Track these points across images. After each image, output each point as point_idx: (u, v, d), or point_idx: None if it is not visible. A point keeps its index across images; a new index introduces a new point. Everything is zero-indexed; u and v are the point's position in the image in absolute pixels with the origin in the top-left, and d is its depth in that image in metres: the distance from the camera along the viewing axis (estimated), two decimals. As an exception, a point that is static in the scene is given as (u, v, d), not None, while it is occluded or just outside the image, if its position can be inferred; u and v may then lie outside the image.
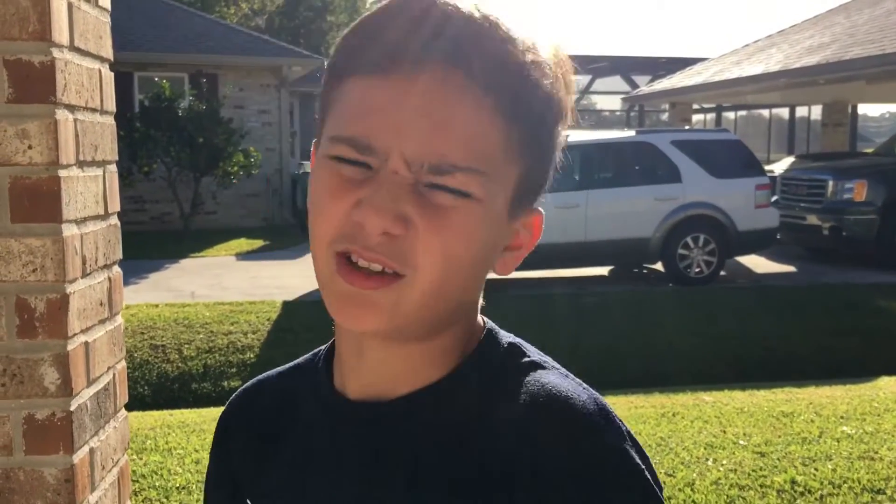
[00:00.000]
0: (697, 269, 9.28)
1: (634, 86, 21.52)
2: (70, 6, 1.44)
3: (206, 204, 14.41)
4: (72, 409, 1.41)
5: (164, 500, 3.35)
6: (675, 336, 7.04)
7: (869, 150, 16.05)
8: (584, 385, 0.68)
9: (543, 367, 0.70)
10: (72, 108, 1.44)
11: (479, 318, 0.73)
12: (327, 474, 0.71)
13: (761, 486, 3.39)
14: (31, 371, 1.39)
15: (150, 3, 16.80)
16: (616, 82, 22.45)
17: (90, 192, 1.52)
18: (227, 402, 0.85)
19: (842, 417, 4.33)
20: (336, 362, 0.74)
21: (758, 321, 7.43)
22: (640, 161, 9.45)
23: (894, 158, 11.41)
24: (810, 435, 4.01)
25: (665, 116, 21.08)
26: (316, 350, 0.80)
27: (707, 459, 3.67)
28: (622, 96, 20.54)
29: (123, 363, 1.72)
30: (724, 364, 6.52)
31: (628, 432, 0.66)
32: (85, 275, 1.49)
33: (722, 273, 9.56)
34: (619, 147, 9.61)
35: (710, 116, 23.64)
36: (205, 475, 0.87)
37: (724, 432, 4.08)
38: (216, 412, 4.89)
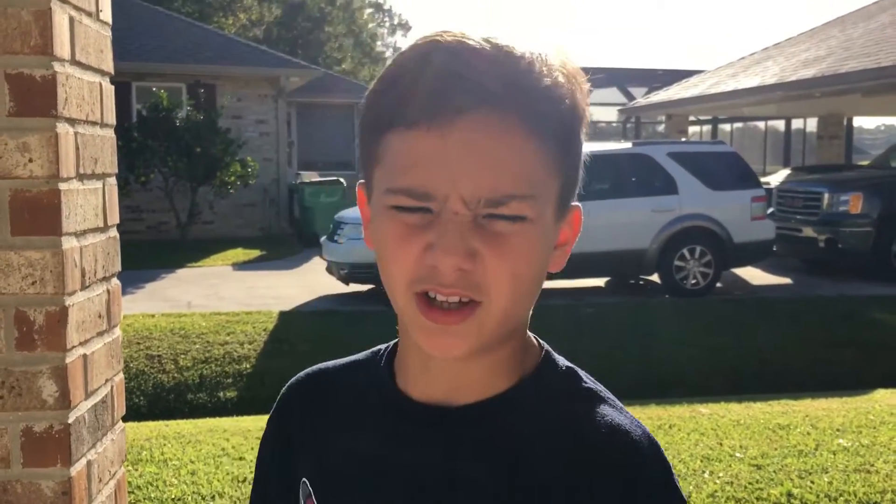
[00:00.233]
0: (694, 281, 9.29)
1: (631, 97, 21.59)
2: (72, 20, 1.45)
3: (203, 214, 14.41)
4: (70, 421, 1.42)
5: (160, 512, 3.34)
6: (672, 348, 7.05)
7: (864, 163, 16.12)
8: (636, 420, 0.76)
9: (600, 396, 0.77)
10: (72, 121, 1.45)
11: (530, 335, 0.80)
12: (385, 466, 0.77)
13: (758, 498, 3.39)
14: (30, 383, 1.40)
15: (148, 12, 16.85)
16: (613, 94, 22.51)
17: (90, 205, 1.53)
18: (287, 386, 0.89)
19: (838, 430, 4.33)
20: (399, 365, 0.81)
21: (754, 333, 7.44)
22: (637, 173, 9.47)
23: (890, 171, 11.46)
24: (806, 448, 4.01)
25: (661, 128, 21.15)
26: (375, 349, 0.86)
27: (703, 472, 3.67)
28: (619, 108, 20.61)
29: (121, 375, 1.72)
30: (720, 376, 6.52)
31: (671, 467, 0.75)
32: (84, 287, 1.49)
33: (718, 285, 9.58)
34: (616, 159, 9.63)
35: (707, 128, 23.71)
36: (249, 465, 0.93)
37: (721, 445, 4.08)
38: (212, 423, 4.88)
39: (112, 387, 1.65)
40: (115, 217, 1.68)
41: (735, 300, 9.27)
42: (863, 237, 10.01)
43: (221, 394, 6.13)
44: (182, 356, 6.52)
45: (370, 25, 41.86)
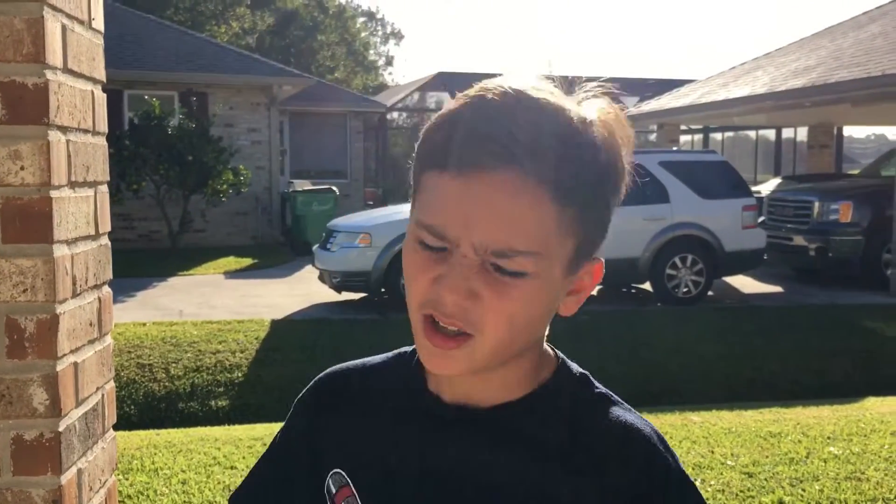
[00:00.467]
0: (685, 289, 9.32)
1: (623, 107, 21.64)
2: (64, 28, 1.45)
3: (195, 222, 14.38)
4: (60, 429, 1.41)
5: (151, 521, 3.32)
6: (663, 356, 7.06)
7: (854, 172, 16.21)
8: (644, 419, 0.86)
9: (612, 400, 0.87)
10: (64, 129, 1.45)
11: (547, 346, 0.88)
12: (421, 460, 0.85)
13: (749, 506, 3.39)
14: (20, 391, 1.39)
15: (141, 21, 16.84)
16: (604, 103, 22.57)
17: (81, 213, 1.53)
18: (316, 380, 0.97)
19: (829, 438, 4.34)
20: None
21: (745, 341, 7.46)
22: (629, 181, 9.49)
23: (879, 180, 11.52)
24: (798, 455, 4.02)
25: (653, 137, 21.24)
26: (399, 351, 0.94)
27: (695, 480, 3.67)
28: (610, 117, 20.62)
29: (112, 383, 1.72)
30: (711, 384, 6.54)
31: (678, 457, 0.85)
32: (75, 295, 1.49)
33: (710, 293, 9.61)
34: (608, 167, 9.65)
35: (698, 137, 23.81)
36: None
37: (713, 452, 4.09)
38: (203, 432, 4.86)
39: (103, 395, 1.65)
40: (106, 225, 1.67)
41: (726, 308, 9.30)
42: (853, 246, 10.06)
43: (213, 402, 6.11)
44: (173, 365, 6.50)
45: (363, 34, 41.91)
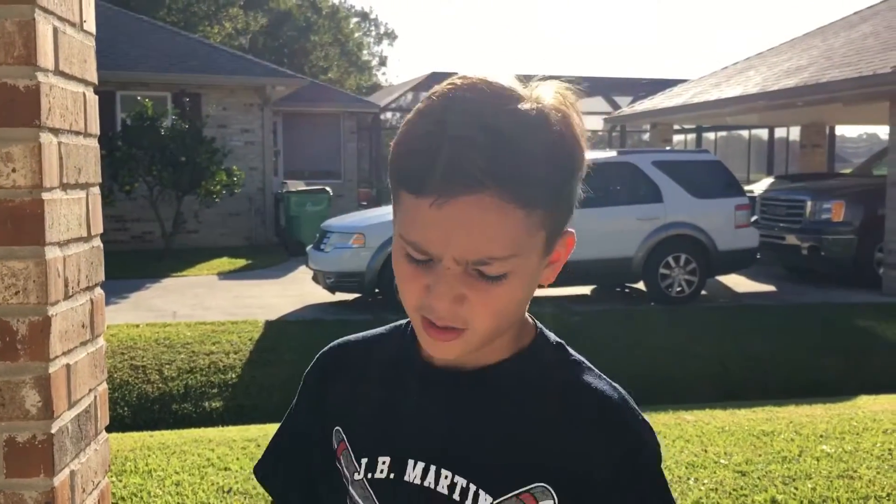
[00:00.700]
0: (679, 289, 9.34)
1: (616, 106, 21.71)
2: (55, 31, 1.45)
3: (189, 223, 14.35)
4: (52, 431, 1.41)
5: (144, 523, 3.32)
6: (657, 355, 7.08)
7: (847, 171, 16.26)
8: (615, 384, 0.95)
9: (585, 366, 0.96)
10: (56, 131, 1.45)
11: (527, 315, 0.97)
12: (414, 416, 0.95)
13: (742, 505, 3.41)
14: (13, 393, 1.39)
15: (133, 21, 16.80)
16: (598, 103, 22.62)
17: (73, 215, 1.53)
18: (322, 354, 1.07)
19: (821, 436, 4.36)
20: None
21: (738, 340, 7.48)
22: (622, 181, 9.52)
23: (872, 179, 11.57)
24: (790, 454, 4.04)
25: (646, 137, 21.27)
26: (395, 324, 1.04)
27: (688, 479, 3.69)
28: (604, 117, 20.70)
29: (105, 385, 1.72)
30: (705, 383, 6.56)
31: (647, 420, 0.93)
32: (67, 297, 1.49)
33: (703, 292, 9.63)
34: (601, 167, 9.67)
35: (691, 137, 23.86)
36: (287, 410, 1.08)
37: (706, 451, 4.10)
38: (197, 433, 4.86)
39: (95, 397, 1.65)
40: (98, 227, 1.67)
41: (720, 307, 9.32)
42: (845, 244, 10.10)
43: (207, 404, 6.10)
44: (167, 366, 6.48)
45: (356, 35, 41.88)
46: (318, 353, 1.08)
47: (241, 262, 12.81)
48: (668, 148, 15.30)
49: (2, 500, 1.40)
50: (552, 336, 0.99)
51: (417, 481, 0.93)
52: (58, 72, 1.46)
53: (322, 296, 9.28)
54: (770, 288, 10.54)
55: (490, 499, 0.90)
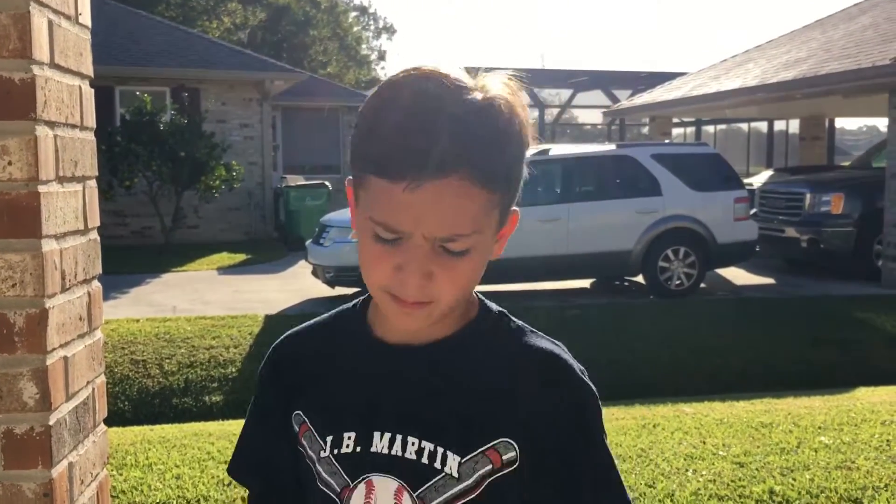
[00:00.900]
0: (678, 282, 9.35)
1: (615, 100, 21.69)
2: (50, 24, 1.46)
3: (188, 218, 14.35)
4: (50, 423, 1.42)
5: (144, 516, 3.33)
6: (656, 348, 7.09)
7: (846, 164, 16.26)
8: (557, 342, 1.03)
9: (526, 330, 1.03)
10: (52, 124, 1.45)
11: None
12: (374, 391, 1.00)
13: (740, 496, 3.42)
14: (10, 386, 1.40)
15: (131, 16, 16.77)
16: (597, 96, 22.61)
17: (70, 208, 1.53)
18: (273, 348, 1.11)
19: (820, 428, 4.37)
20: (374, 320, 1.04)
21: (737, 333, 7.49)
22: (621, 174, 9.52)
23: (871, 171, 11.57)
24: (788, 445, 4.05)
25: (645, 130, 21.25)
26: (339, 309, 1.10)
27: (687, 470, 3.70)
28: (603, 110, 20.70)
29: (103, 377, 1.73)
30: (704, 375, 6.57)
31: (584, 370, 1.01)
32: (64, 290, 1.50)
33: (702, 285, 9.64)
34: (600, 161, 9.69)
35: (690, 130, 23.85)
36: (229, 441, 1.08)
37: (704, 443, 4.11)
38: (197, 427, 4.87)
39: (93, 389, 1.66)
40: (95, 219, 1.68)
41: (719, 300, 9.33)
42: (844, 237, 10.10)
43: (207, 398, 6.12)
44: (167, 361, 6.50)
45: (355, 29, 41.80)
46: (268, 351, 1.11)
47: (240, 257, 12.81)
48: (666, 141, 15.30)
49: (0, 491, 1.40)
50: (494, 306, 1.05)
51: (385, 451, 0.97)
52: (53, 65, 1.46)
53: (322, 290, 9.29)
54: (769, 280, 10.55)
55: (458, 458, 0.96)
